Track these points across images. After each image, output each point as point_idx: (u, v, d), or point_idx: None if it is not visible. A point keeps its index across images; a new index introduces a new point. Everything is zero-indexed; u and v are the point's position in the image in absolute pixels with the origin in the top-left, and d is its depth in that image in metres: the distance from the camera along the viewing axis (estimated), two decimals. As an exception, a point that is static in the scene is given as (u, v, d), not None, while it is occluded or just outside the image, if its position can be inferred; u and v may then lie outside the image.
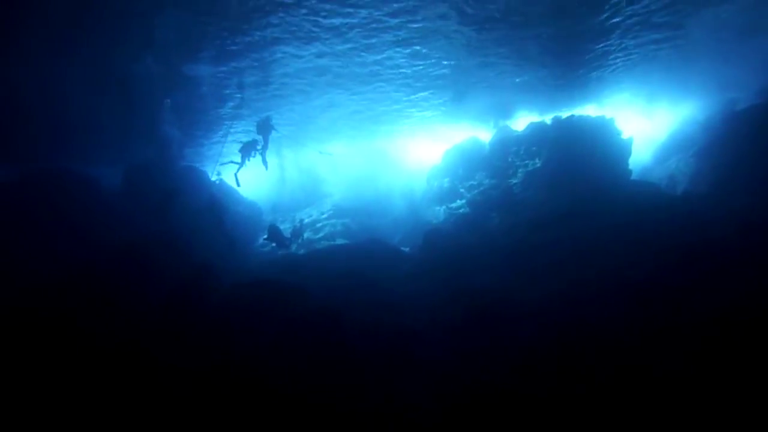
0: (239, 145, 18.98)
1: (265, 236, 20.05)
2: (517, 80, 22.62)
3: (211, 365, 10.66)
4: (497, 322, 13.24)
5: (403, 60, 19.42)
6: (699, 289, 13.78)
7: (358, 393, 10.07)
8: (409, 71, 20.56)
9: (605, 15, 16.93)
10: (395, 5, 14.90)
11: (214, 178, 23.99)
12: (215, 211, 18.26)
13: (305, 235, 26.54)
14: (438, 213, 25.53)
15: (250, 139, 19.22)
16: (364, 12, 15.06)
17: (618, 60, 20.18)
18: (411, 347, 12.39)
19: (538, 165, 23.56)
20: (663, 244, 15.94)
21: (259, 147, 18.82)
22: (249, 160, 19.17)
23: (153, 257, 14.41)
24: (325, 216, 27.75)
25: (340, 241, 25.44)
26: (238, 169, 19.13)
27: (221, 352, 11.27)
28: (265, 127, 19.39)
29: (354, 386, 10.30)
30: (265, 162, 19.13)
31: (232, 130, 24.29)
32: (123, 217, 18.60)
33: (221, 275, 15.00)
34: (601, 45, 19.24)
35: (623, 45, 19.05)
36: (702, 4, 14.78)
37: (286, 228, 24.56)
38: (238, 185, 19.51)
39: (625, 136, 23.34)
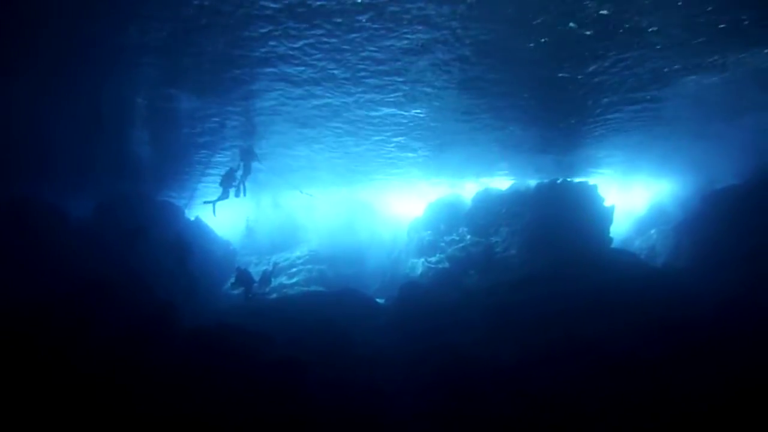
0: (219, 179, 18.47)
1: (232, 279, 19.14)
2: (498, 145, 22.75)
3: (161, 413, 9.72)
4: (470, 386, 12.54)
5: (387, 118, 19.42)
6: (676, 367, 13.38)
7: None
8: (391, 129, 20.50)
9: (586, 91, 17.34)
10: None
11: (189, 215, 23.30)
12: (179, 250, 17.44)
13: (279, 280, 25.68)
14: (416, 266, 24.99)
15: (228, 169, 18.70)
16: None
17: (597, 130, 20.40)
18: (379, 409, 11.55)
19: (520, 226, 23.39)
20: (642, 317, 15.63)
21: (238, 173, 18.34)
22: (230, 189, 18.63)
23: (111, 295, 13.50)
24: (301, 261, 26.99)
25: (314, 288, 24.63)
26: (218, 199, 18.51)
27: (174, 399, 10.32)
28: (248, 154, 19.00)
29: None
30: (244, 189, 18.57)
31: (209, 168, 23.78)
32: (87, 251, 17.64)
33: (182, 317, 14.10)
34: (581, 119, 19.50)
35: (603, 119, 19.31)
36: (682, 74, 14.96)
37: (259, 270, 23.67)
38: (214, 215, 18.76)
39: (607, 203, 23.46)
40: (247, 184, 19.14)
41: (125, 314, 12.77)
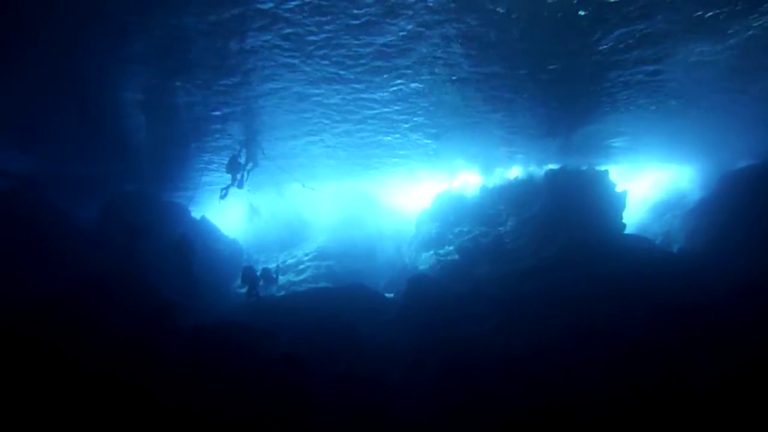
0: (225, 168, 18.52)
1: (240, 279, 18.94)
2: (509, 131, 22.18)
3: (161, 411, 9.50)
4: (479, 378, 12.17)
5: (397, 107, 19.04)
6: (691, 354, 12.94)
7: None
8: (399, 117, 20.10)
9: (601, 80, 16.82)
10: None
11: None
12: (183, 249, 17.30)
13: (287, 277, 25.43)
14: (426, 259, 24.58)
15: (231, 155, 18.71)
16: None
17: (606, 107, 19.75)
18: (385, 404, 11.23)
19: (530, 215, 22.87)
20: (657, 302, 15.16)
21: (242, 160, 18.30)
22: (239, 176, 18.61)
23: (113, 294, 13.33)
24: (308, 258, 26.70)
25: (322, 284, 24.32)
26: (228, 186, 18.58)
27: (174, 397, 10.09)
28: (251, 144, 18.91)
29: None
30: (244, 179, 18.43)
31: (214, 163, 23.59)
32: (91, 251, 17.55)
33: (185, 316, 13.89)
34: (595, 100, 18.91)
35: (616, 100, 18.69)
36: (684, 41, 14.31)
37: (267, 269, 23.42)
38: (222, 198, 18.89)
39: (619, 189, 22.84)
40: (249, 176, 19.13)
41: (126, 313, 12.59)
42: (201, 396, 9.88)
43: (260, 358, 11.28)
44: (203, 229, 24.85)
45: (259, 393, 10.14)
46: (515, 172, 26.13)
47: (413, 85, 16.95)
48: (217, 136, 20.89)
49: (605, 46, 14.21)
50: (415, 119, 20.51)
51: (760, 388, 10.43)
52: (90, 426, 9.13)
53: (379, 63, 14.95)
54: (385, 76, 15.91)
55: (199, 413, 9.43)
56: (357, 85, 16.53)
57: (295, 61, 14.84)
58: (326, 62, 14.90)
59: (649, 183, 30.15)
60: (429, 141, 23.67)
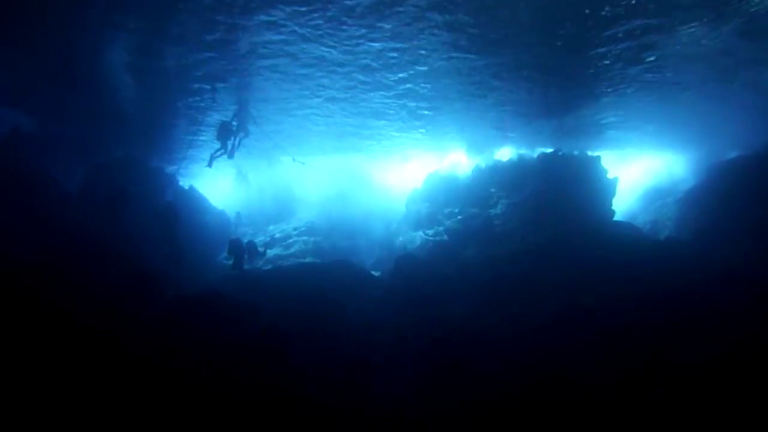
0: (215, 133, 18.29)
1: (226, 251, 18.70)
2: (502, 111, 21.94)
3: (136, 377, 9.39)
4: (464, 358, 12.14)
5: (391, 82, 18.68)
6: (678, 340, 13.02)
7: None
8: (393, 93, 19.77)
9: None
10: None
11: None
12: (169, 218, 17.01)
13: (275, 251, 25.26)
14: (414, 239, 24.49)
15: (221, 122, 18.37)
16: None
17: (599, 89, 19.57)
18: (368, 382, 11.20)
19: (520, 198, 22.80)
20: (643, 289, 15.18)
21: (233, 127, 17.98)
22: (229, 143, 18.29)
23: (94, 259, 13.08)
24: (296, 232, 26.52)
25: (309, 260, 24.22)
26: (217, 151, 18.32)
27: (150, 364, 9.95)
28: (244, 113, 18.60)
29: (296, 426, 9.05)
30: (234, 147, 18.24)
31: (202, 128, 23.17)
32: (75, 216, 17.21)
33: (166, 286, 13.69)
34: (588, 83, 18.69)
35: (609, 83, 18.49)
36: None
37: (256, 242, 23.18)
38: (210, 166, 18.61)
39: (610, 176, 22.80)
40: (239, 144, 18.85)
41: (106, 278, 12.35)
42: (178, 365, 9.76)
43: (242, 330, 11.17)
44: (191, 198, 24.50)
45: (239, 365, 10.04)
46: (507, 154, 25.99)
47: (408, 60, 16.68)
48: (206, 100, 20.49)
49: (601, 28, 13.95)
50: (408, 96, 20.23)
51: (745, 375, 10.52)
52: (66, 392, 8.98)
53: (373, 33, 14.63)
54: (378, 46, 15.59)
55: (175, 382, 9.31)
56: (357, 55, 16.15)
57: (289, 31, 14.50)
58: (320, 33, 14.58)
59: (640, 170, 30.19)
60: (421, 121, 23.42)
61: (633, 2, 12.68)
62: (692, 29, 14.01)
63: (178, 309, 11.83)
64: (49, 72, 17.76)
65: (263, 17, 13.62)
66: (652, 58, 16.06)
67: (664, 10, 12.98)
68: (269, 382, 9.90)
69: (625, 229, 21.21)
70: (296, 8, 13.03)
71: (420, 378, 11.63)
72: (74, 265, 12.33)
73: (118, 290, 12.00)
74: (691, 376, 11.08)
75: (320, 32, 14.61)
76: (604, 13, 13.26)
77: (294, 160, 22.85)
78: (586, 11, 13.22)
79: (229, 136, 18.09)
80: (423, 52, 15.99)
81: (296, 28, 14.29)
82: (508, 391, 10.63)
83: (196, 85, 18.88)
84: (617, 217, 22.82)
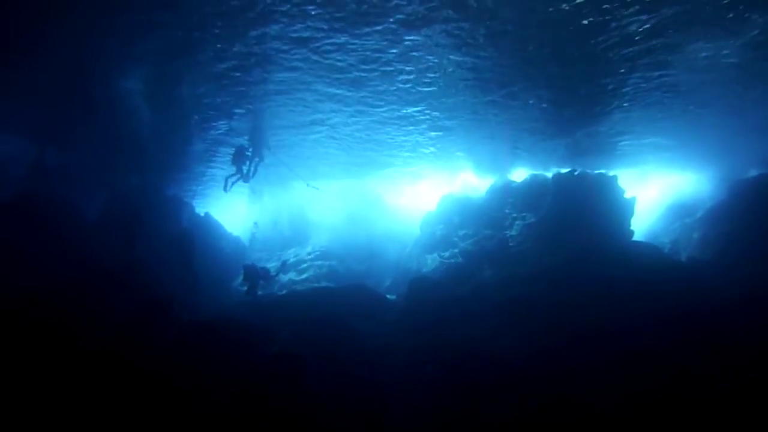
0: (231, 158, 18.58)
1: (241, 277, 18.76)
2: (516, 131, 21.92)
3: (150, 403, 9.34)
4: (478, 383, 11.89)
5: (402, 104, 18.93)
6: (700, 364, 12.60)
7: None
8: (403, 114, 19.95)
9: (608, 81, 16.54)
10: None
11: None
12: (184, 245, 17.18)
13: (289, 276, 25.26)
14: (429, 261, 24.29)
15: (237, 146, 18.61)
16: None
17: (620, 115, 19.43)
18: (380, 407, 11.00)
19: (536, 218, 22.55)
20: (663, 311, 14.78)
21: (249, 153, 18.17)
22: (244, 168, 18.54)
23: (111, 286, 13.20)
24: (311, 257, 26.50)
25: (324, 284, 24.12)
26: (232, 176, 18.54)
27: (163, 390, 9.90)
28: (259, 139, 18.84)
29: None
30: (253, 173, 18.44)
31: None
32: (94, 243, 17.45)
33: (181, 311, 13.71)
34: (603, 106, 18.62)
35: (626, 105, 18.41)
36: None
37: (269, 267, 23.23)
38: (226, 191, 18.68)
39: (627, 195, 22.46)
40: (256, 170, 19.12)
41: (122, 305, 12.42)
42: (191, 391, 9.69)
43: (255, 355, 11.08)
44: (206, 225, 24.74)
45: (251, 390, 9.93)
46: (522, 174, 25.84)
47: (420, 84, 16.85)
48: (222, 129, 20.83)
49: (612, 41, 13.91)
50: (422, 118, 20.36)
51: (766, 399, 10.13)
52: (82, 416, 8.99)
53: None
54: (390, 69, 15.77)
55: (188, 407, 9.24)
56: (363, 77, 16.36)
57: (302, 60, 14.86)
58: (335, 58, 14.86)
59: (660, 190, 29.69)
60: (434, 142, 23.48)
61: (645, 22, 12.69)
62: (703, 44, 13.90)
63: (191, 334, 11.82)
64: (67, 102, 18.28)
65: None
66: (665, 75, 15.94)
67: (676, 26, 12.94)
68: (282, 407, 9.76)
69: (645, 249, 20.75)
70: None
71: (433, 403, 11.39)
72: (90, 293, 12.48)
73: (132, 317, 12.05)
74: (714, 401, 10.69)
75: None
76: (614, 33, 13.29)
77: (308, 185, 22.99)
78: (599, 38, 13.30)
79: (244, 161, 18.32)
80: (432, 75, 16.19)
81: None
82: (525, 418, 10.33)
83: (212, 112, 19.26)
84: (636, 237, 22.40)
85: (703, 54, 14.45)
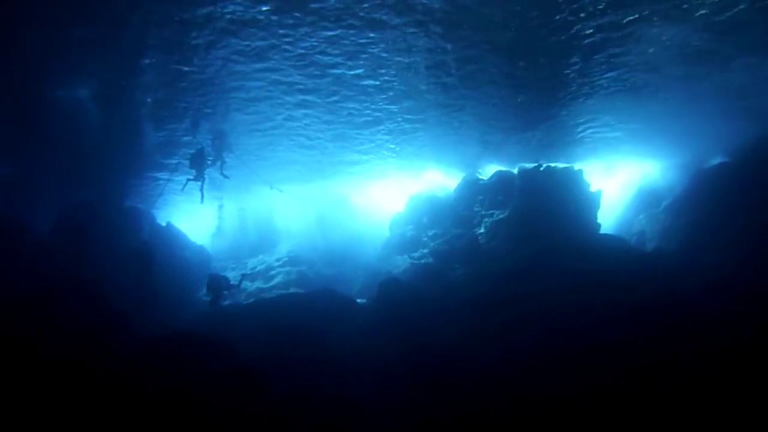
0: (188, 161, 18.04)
1: (205, 288, 18.08)
2: (483, 126, 21.72)
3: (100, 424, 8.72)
4: (450, 388, 11.54)
5: (371, 110, 18.62)
6: (668, 353, 12.55)
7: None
8: (374, 117, 19.63)
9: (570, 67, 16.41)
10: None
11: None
12: (141, 256, 16.47)
13: (256, 284, 24.61)
14: (400, 263, 24.00)
15: (196, 148, 18.03)
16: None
17: (579, 100, 19.30)
18: (347, 418, 10.54)
19: (504, 215, 22.47)
20: (631, 303, 14.74)
21: (209, 159, 17.57)
22: (204, 172, 18.02)
23: (57, 305, 12.40)
24: (279, 263, 25.90)
25: (293, 290, 23.55)
26: (193, 180, 18.13)
27: (114, 411, 9.26)
28: (220, 141, 18.22)
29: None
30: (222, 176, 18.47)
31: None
32: (44, 261, 16.52)
33: (137, 327, 13.01)
34: (564, 93, 18.51)
35: (586, 90, 18.27)
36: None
37: (235, 276, 22.51)
38: (182, 191, 18.89)
39: (593, 188, 22.57)
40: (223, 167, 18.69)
41: (69, 324, 11.67)
42: (143, 411, 9.07)
43: (213, 371, 10.50)
44: (168, 235, 23.84)
45: (209, 408, 9.37)
46: (490, 171, 25.74)
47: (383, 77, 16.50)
48: (181, 134, 20.10)
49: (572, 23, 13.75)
50: (384, 117, 20.03)
51: (736, 387, 10.08)
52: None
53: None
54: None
55: (137, 428, 8.64)
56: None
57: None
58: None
59: (625, 181, 30.00)
60: (400, 141, 23.17)
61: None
62: (656, 26, 13.81)
63: (145, 351, 11.17)
64: (13, 114, 17.40)
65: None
66: (620, 57, 15.83)
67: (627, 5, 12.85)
68: (240, 423, 9.23)
69: (612, 241, 20.87)
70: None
71: (404, 408, 11.00)
72: (31, 311, 11.67)
73: (80, 335, 11.32)
74: (687, 388, 10.61)
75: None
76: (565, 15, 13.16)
77: (272, 187, 22.41)
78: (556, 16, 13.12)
79: (203, 164, 17.63)
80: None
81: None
82: (500, 419, 10.03)
83: (170, 117, 18.56)
84: (604, 230, 22.51)
85: (663, 37, 14.34)
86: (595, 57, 15.55)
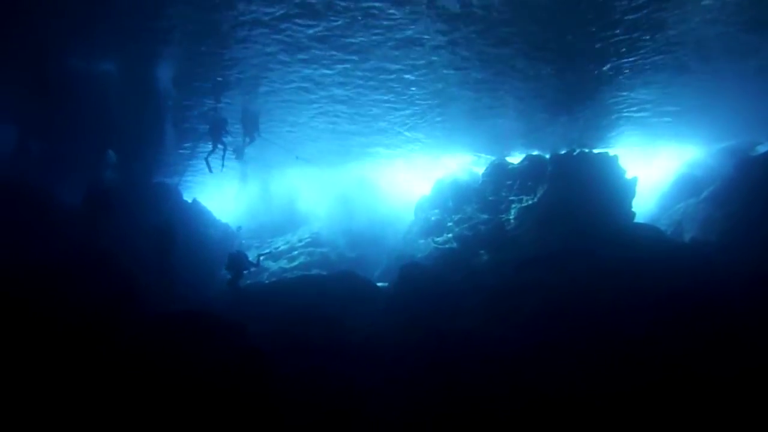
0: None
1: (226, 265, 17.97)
2: (514, 112, 20.83)
3: (104, 403, 8.69)
4: (464, 378, 11.14)
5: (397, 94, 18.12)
6: (702, 351, 11.83)
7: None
8: (402, 102, 19.10)
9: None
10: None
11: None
12: (163, 233, 16.48)
13: (279, 264, 24.55)
14: (423, 247, 23.49)
15: (213, 120, 17.26)
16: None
17: (617, 82, 18.12)
18: (358, 403, 10.27)
19: (533, 201, 21.64)
20: (665, 297, 13.97)
21: (228, 129, 17.18)
22: (222, 143, 17.39)
23: (75, 277, 12.46)
24: (302, 244, 25.75)
25: (315, 272, 23.41)
26: (209, 154, 17.51)
27: (118, 390, 9.22)
28: (246, 116, 17.87)
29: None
30: (242, 153, 17.95)
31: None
32: (68, 233, 16.75)
33: (158, 302, 13.02)
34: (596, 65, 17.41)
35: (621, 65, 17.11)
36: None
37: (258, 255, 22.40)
38: (210, 171, 17.76)
39: (629, 176, 21.47)
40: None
41: (87, 295, 11.70)
42: (147, 392, 8.98)
43: (222, 352, 10.33)
44: (194, 212, 23.95)
45: (213, 390, 9.20)
46: (519, 156, 24.86)
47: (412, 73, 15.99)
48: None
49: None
50: (415, 103, 19.44)
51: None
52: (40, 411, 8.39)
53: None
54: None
55: (145, 406, 8.55)
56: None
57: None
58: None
59: (661, 169, 28.60)
60: (428, 126, 22.50)
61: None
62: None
63: (157, 327, 11.10)
64: (43, 90, 17.55)
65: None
66: (664, 35, 14.63)
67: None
68: (247, 407, 9.04)
69: (647, 231, 19.86)
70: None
71: (416, 400, 10.65)
72: (57, 280, 11.77)
73: (94, 308, 11.32)
74: (718, 385, 9.97)
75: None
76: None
77: (297, 158, 22.01)
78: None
79: (221, 134, 17.19)
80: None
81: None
82: (511, 416, 9.58)
83: (199, 93, 18.35)
84: (638, 219, 21.46)
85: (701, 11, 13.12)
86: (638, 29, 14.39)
